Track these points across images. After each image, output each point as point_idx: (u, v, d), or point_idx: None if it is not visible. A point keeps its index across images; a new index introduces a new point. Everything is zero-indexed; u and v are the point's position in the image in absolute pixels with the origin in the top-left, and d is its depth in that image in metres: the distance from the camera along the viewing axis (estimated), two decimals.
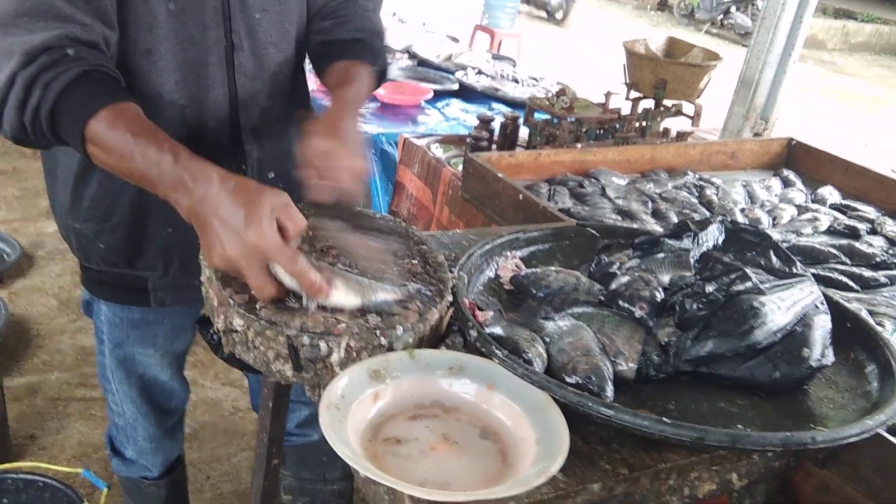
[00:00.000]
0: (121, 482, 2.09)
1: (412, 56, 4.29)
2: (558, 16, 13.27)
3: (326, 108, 1.42)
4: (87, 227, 1.54)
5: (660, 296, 1.29)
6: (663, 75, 2.77)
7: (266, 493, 1.67)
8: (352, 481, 2.18)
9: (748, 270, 1.27)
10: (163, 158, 1.15)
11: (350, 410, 1.02)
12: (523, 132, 2.77)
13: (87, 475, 2.26)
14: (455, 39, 4.94)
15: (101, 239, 1.55)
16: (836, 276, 1.93)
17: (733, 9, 13.92)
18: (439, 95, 3.74)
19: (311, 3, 1.61)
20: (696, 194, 2.42)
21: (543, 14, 13.69)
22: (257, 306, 1.14)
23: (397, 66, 4.02)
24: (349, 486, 2.18)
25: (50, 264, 3.83)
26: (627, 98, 2.95)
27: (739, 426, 1.10)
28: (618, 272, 1.39)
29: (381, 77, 1.62)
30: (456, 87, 3.87)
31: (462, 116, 3.58)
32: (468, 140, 2.71)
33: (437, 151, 2.80)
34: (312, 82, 1.72)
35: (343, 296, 1.14)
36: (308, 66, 1.68)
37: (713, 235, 1.43)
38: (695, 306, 1.24)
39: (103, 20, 1.30)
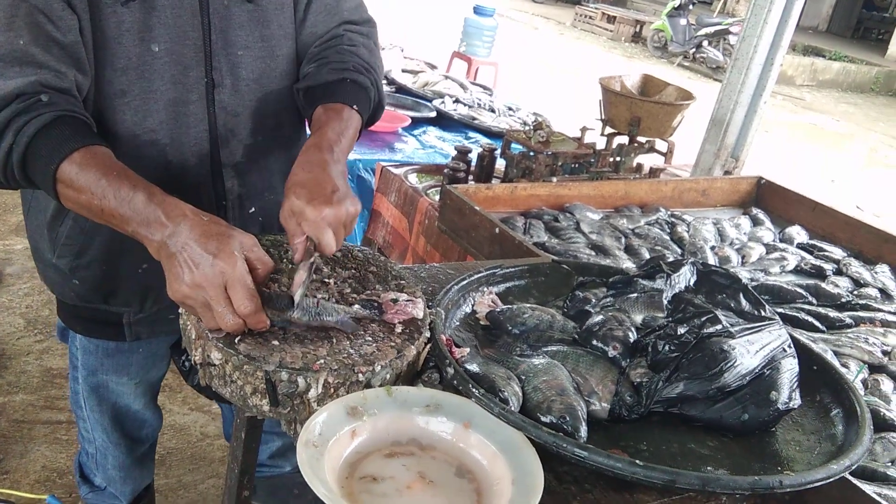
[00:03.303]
0: None
1: (390, 82, 4.33)
2: None
3: (294, 165, 1.36)
4: (62, 263, 1.54)
5: (633, 336, 1.32)
6: (638, 113, 2.82)
7: None
8: None
9: (719, 313, 1.30)
10: (136, 196, 1.19)
11: (327, 448, 1.03)
12: (500, 164, 2.80)
13: (52, 501, 2.22)
14: (433, 66, 4.99)
15: (76, 275, 1.55)
16: (802, 316, 1.97)
17: (705, 43, 14.20)
18: (416, 123, 3.78)
19: (300, 44, 1.60)
20: (668, 231, 2.46)
21: None
22: (236, 340, 1.15)
23: None
24: None
25: (18, 282, 3.78)
26: (602, 134, 3.00)
27: (709, 468, 1.13)
28: (592, 310, 1.42)
29: (378, 108, 1.60)
30: (433, 115, 3.90)
31: (439, 144, 3.61)
32: (445, 171, 2.74)
33: (414, 181, 2.83)
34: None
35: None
36: None
37: (685, 277, 1.46)
38: (667, 347, 1.26)
39: (77, 67, 1.33)
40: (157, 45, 1.39)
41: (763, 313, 1.38)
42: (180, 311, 1.25)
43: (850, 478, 1.20)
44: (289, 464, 2.03)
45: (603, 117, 2.99)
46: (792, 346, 1.31)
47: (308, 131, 1.55)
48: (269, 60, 1.54)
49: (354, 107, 1.51)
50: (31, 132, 1.22)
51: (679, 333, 1.27)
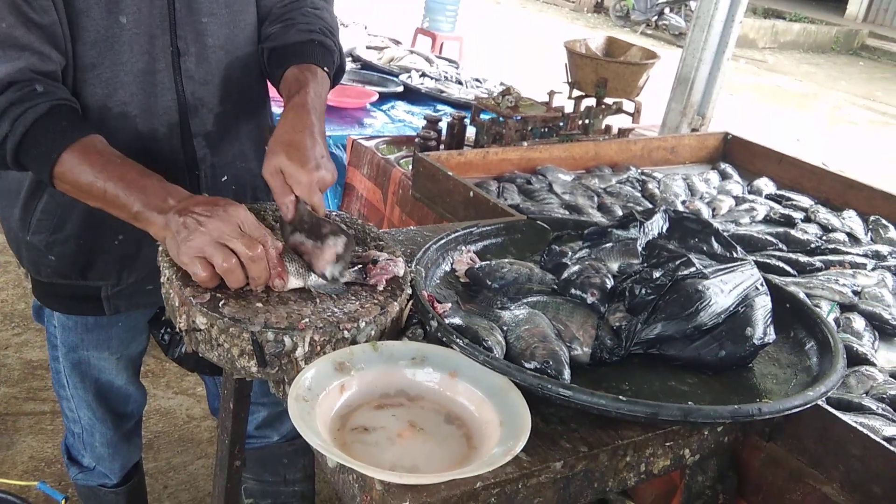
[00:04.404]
0: (79, 491, 2.06)
1: (355, 59, 4.31)
2: None
3: (281, 120, 1.38)
4: (37, 240, 1.54)
5: (610, 283, 1.35)
6: (604, 74, 2.84)
7: (229, 495, 1.68)
8: (313, 482, 2.19)
9: (692, 256, 1.33)
10: (148, 180, 1.26)
11: (318, 402, 1.04)
12: (470, 132, 2.81)
13: (42, 487, 2.22)
14: (397, 42, 4.97)
15: (53, 251, 1.55)
16: (773, 262, 2.01)
17: (667, 10, 14.25)
18: (384, 98, 3.77)
19: (262, 7, 1.61)
20: (639, 188, 2.49)
21: None
22: (220, 304, 1.16)
23: None
24: (310, 486, 2.19)
25: None
26: (570, 97, 3.02)
27: (690, 402, 1.16)
28: (569, 262, 1.44)
29: (338, 73, 1.62)
30: (401, 89, 3.89)
31: (408, 118, 3.61)
32: (417, 140, 2.74)
33: (386, 152, 2.83)
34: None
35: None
36: None
37: (658, 224, 1.49)
38: (643, 291, 1.29)
39: (56, 46, 1.34)
40: (125, 16, 1.39)
41: (735, 255, 1.42)
42: (162, 280, 1.25)
43: (827, 406, 1.25)
44: (276, 433, 2.04)
45: (570, 80, 3.01)
46: (764, 284, 1.34)
47: (276, 93, 1.58)
48: (233, 27, 1.55)
49: (325, 68, 1.53)
50: (27, 122, 1.27)
51: (654, 277, 1.30)
